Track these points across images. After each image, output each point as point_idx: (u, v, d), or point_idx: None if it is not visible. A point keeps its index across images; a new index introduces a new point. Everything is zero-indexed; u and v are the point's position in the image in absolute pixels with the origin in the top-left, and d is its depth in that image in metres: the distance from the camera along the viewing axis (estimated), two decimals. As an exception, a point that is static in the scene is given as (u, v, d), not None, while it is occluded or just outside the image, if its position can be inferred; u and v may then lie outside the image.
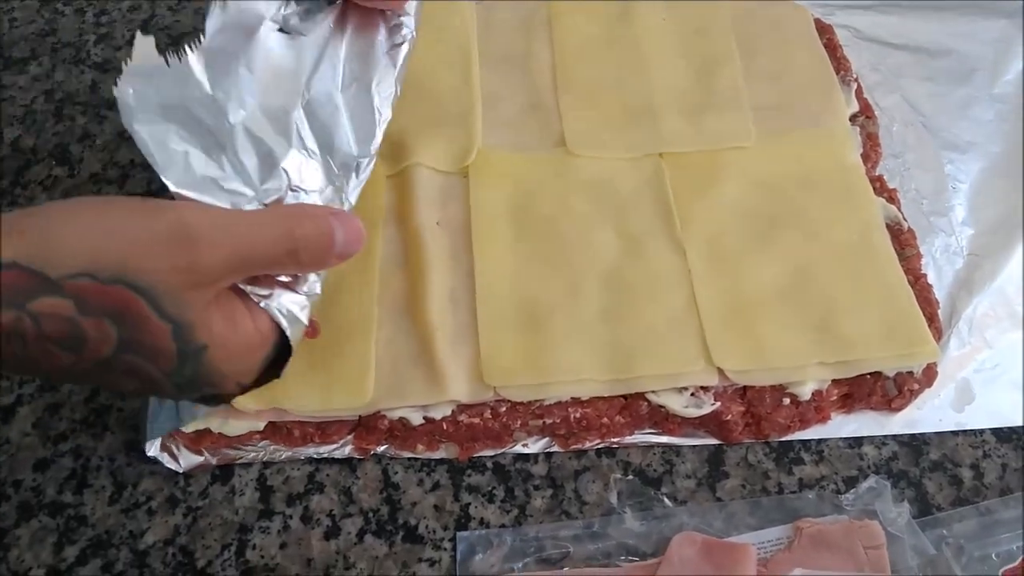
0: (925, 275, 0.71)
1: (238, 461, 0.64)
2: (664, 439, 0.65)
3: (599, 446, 0.65)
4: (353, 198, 0.56)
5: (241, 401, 0.63)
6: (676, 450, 0.65)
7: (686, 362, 0.65)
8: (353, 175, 0.56)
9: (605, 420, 0.65)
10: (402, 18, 0.60)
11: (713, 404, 0.65)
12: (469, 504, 0.63)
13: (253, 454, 0.65)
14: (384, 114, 0.58)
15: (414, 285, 0.68)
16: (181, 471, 0.64)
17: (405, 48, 0.60)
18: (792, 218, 0.71)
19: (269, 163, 0.52)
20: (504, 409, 0.65)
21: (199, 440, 0.64)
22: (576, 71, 0.80)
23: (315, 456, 0.64)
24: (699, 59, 0.81)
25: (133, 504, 0.63)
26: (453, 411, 0.64)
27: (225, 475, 0.64)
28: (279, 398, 0.63)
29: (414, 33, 0.61)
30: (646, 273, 0.69)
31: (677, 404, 0.65)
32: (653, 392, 0.65)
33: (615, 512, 0.61)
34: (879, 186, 0.75)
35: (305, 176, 0.53)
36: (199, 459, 0.64)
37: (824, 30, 0.84)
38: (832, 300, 0.67)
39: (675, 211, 0.72)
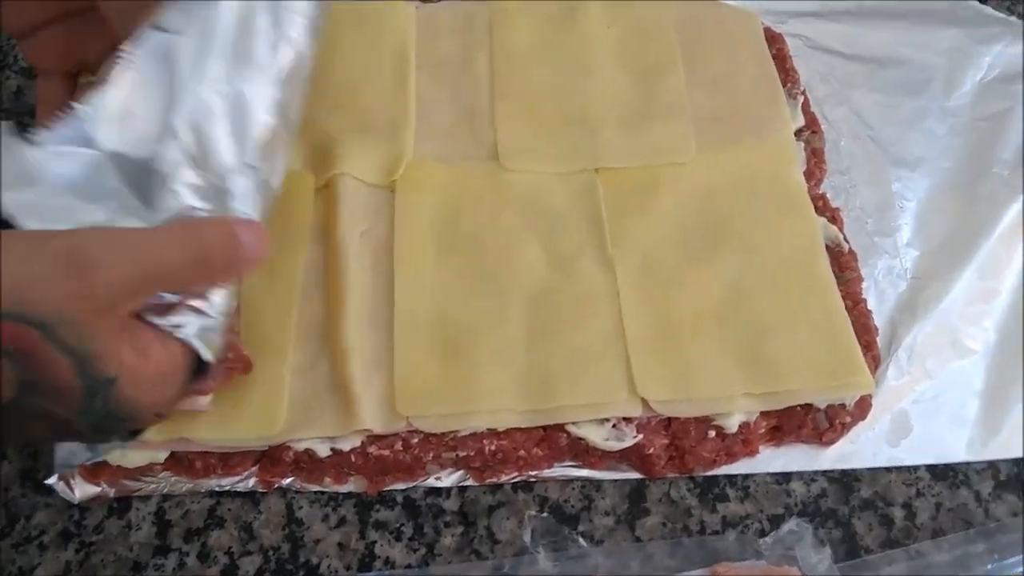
0: (865, 300, 0.68)
1: (136, 493, 0.61)
2: (584, 472, 0.62)
3: (516, 480, 0.62)
4: (250, 210, 0.53)
5: (148, 433, 0.60)
6: (596, 484, 0.62)
7: (609, 391, 0.62)
8: (237, 186, 0.52)
9: (522, 453, 0.62)
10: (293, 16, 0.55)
11: (635, 436, 0.62)
12: (375, 542, 0.60)
13: (153, 486, 0.62)
14: (264, 120, 0.53)
15: (332, 305, 0.65)
16: (76, 502, 0.61)
17: (291, 50, 0.55)
18: (729, 236, 0.68)
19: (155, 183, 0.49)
20: (416, 440, 0.62)
21: (97, 471, 0.61)
22: (514, 78, 0.77)
23: (217, 489, 0.61)
24: (641, 66, 0.77)
25: (25, 538, 0.60)
26: (363, 442, 0.61)
27: (122, 508, 0.61)
28: (182, 427, 0.60)
29: (308, 33, 0.57)
30: (573, 295, 0.66)
31: (598, 436, 0.62)
32: (574, 424, 0.62)
33: (528, 552, 0.58)
34: (822, 204, 0.72)
35: (193, 193, 0.50)
36: (96, 490, 0.61)
37: (774, 39, 0.80)
38: (764, 326, 0.64)
39: (607, 228, 0.69)
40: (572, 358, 0.63)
